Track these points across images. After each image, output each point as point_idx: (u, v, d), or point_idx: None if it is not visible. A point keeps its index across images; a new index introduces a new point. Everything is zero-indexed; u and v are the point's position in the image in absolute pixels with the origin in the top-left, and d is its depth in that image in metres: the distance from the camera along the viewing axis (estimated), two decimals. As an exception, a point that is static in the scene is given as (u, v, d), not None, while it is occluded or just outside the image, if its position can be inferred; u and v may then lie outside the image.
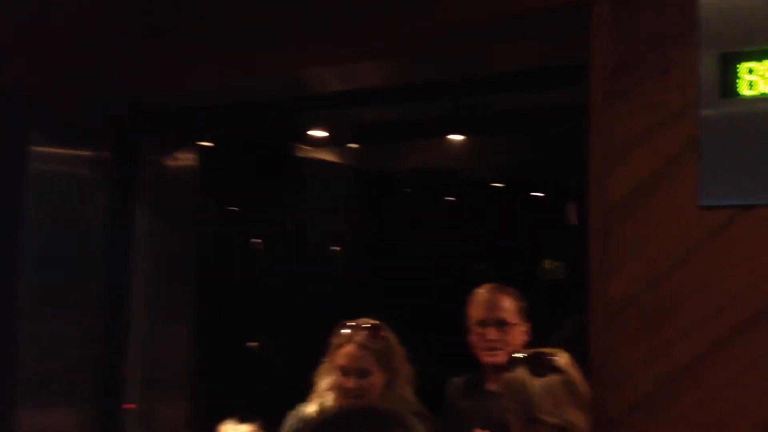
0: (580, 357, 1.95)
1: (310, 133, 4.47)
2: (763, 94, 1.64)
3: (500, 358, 2.52)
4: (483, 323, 2.60)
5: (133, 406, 3.00)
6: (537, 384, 2.02)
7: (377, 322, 2.48)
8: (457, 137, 5.03)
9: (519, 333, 2.62)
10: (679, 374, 1.69)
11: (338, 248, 4.93)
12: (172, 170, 3.22)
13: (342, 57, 2.36)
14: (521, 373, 2.05)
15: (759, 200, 1.62)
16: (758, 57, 1.64)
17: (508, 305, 2.63)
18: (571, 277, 5.80)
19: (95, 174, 3.00)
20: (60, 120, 2.90)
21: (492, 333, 2.57)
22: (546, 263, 6.06)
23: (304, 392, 2.57)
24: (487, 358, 2.59)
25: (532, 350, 2.17)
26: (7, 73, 2.70)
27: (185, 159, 3.30)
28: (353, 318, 2.53)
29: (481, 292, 2.69)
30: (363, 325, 2.46)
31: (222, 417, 2.38)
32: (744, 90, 1.65)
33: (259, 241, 4.28)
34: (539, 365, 2.06)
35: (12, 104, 2.77)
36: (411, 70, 2.65)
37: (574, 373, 2.03)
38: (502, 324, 2.59)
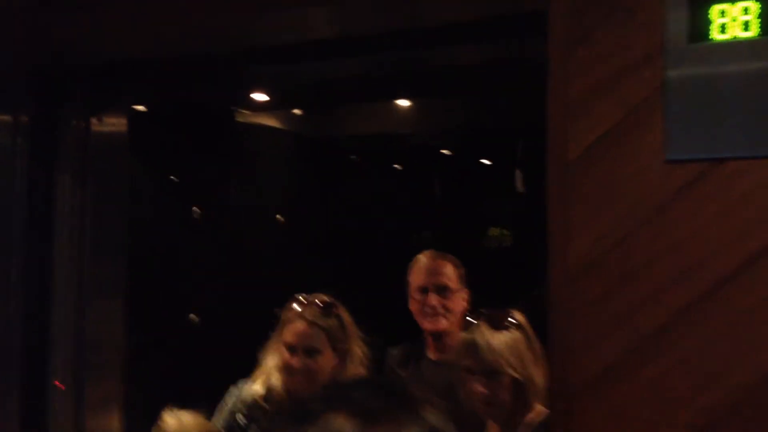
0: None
1: (252, 96, 4.28)
2: (735, 38, 1.51)
3: (442, 324, 2.52)
4: (424, 290, 2.57)
5: (62, 386, 2.82)
6: (500, 338, 1.99)
7: (330, 298, 2.33)
8: (405, 102, 4.90)
9: (460, 299, 2.59)
10: (646, 341, 1.58)
11: (281, 217, 4.76)
12: (99, 135, 2.99)
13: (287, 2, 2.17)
14: (482, 328, 2.02)
15: (731, 153, 1.51)
16: (732, -3, 1.51)
17: (449, 271, 2.59)
18: (517, 245, 5.77)
19: (12, 140, 2.75)
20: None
21: (433, 299, 2.54)
22: (492, 231, 6.01)
23: (247, 369, 2.42)
24: (428, 324, 2.56)
25: (488, 310, 2.10)
26: None
27: (114, 124, 3.07)
28: (304, 291, 2.39)
29: (422, 259, 2.65)
30: (315, 301, 2.31)
31: (161, 397, 2.20)
32: (715, 34, 1.52)
33: (197, 209, 4.09)
34: (499, 321, 2.04)
35: None
36: (359, 20, 2.47)
37: (531, 330, 2.03)
38: (443, 290, 2.56)
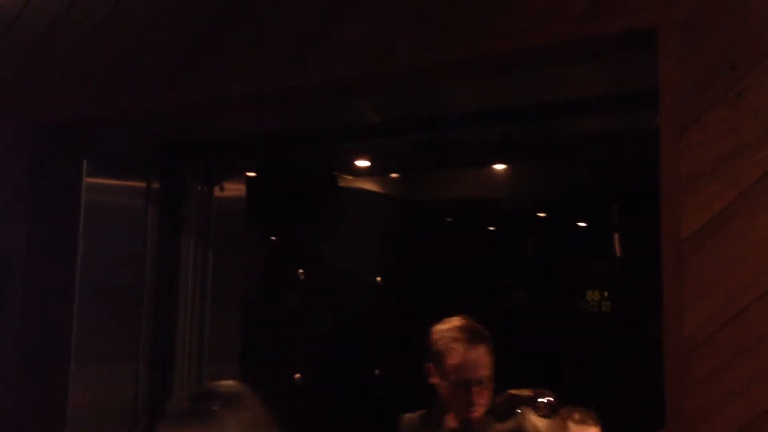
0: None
1: (354, 162, 4.46)
2: None
3: (479, 413, 2.35)
4: (466, 384, 2.35)
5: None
6: (545, 425, 2.04)
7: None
8: (500, 166, 4.99)
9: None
10: (760, 416, 1.60)
11: (380, 278, 4.89)
12: (219, 200, 3.21)
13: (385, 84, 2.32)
14: (530, 414, 2.07)
15: None
16: None
17: (489, 360, 2.38)
18: (616, 310, 5.69)
19: (145, 204, 2.99)
20: (111, 151, 2.91)
21: (476, 394, 2.34)
22: (589, 294, 5.96)
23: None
24: (465, 414, 2.36)
25: (526, 391, 2.12)
26: (61, 103, 2.71)
27: (233, 189, 3.29)
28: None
29: (459, 346, 2.38)
30: None
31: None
32: (827, 118, 1.57)
33: (302, 271, 4.25)
34: (542, 407, 2.08)
35: (66, 135, 2.78)
36: (463, 97, 2.61)
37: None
38: (483, 382, 2.36)
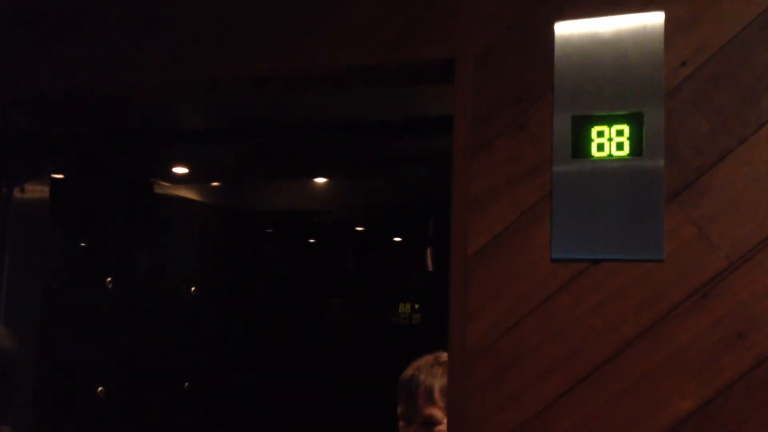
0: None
1: (172, 169, 4.37)
2: (610, 155, 1.76)
3: None
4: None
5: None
6: None
7: None
8: (321, 179, 5.08)
9: None
10: (534, 418, 1.76)
11: (194, 288, 4.81)
12: (19, 202, 3.03)
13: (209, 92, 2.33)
14: None
15: (605, 255, 1.74)
16: (607, 121, 1.77)
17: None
18: (426, 322, 5.96)
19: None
20: None
21: None
22: (401, 306, 6.19)
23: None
24: None
25: None
26: None
27: (35, 191, 3.12)
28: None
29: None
30: None
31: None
32: (594, 151, 1.77)
33: (110, 279, 4.09)
34: None
35: None
36: (276, 109, 2.66)
37: None
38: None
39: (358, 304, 5.94)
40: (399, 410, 2.15)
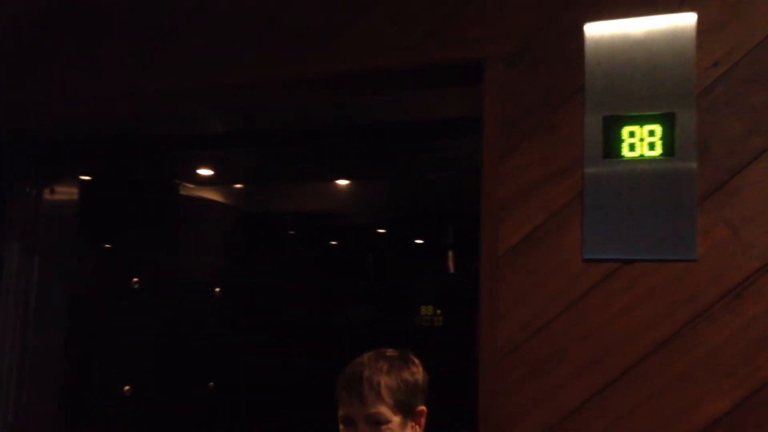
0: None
1: (197, 171, 4.40)
2: (642, 156, 1.76)
3: None
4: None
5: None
6: None
7: None
8: (343, 182, 5.10)
9: None
10: (563, 420, 1.76)
11: (218, 289, 4.84)
12: (49, 203, 3.08)
13: (234, 99, 2.35)
14: None
15: (637, 255, 1.73)
16: (639, 122, 1.77)
17: None
18: (448, 324, 5.95)
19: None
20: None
21: None
22: (423, 309, 6.18)
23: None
24: None
25: None
26: None
27: (64, 192, 3.16)
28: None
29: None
30: None
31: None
32: (625, 151, 1.77)
33: (136, 280, 4.13)
34: None
35: None
36: (305, 115, 2.68)
37: None
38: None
39: (379, 306, 5.94)
40: (340, 413, 1.98)
